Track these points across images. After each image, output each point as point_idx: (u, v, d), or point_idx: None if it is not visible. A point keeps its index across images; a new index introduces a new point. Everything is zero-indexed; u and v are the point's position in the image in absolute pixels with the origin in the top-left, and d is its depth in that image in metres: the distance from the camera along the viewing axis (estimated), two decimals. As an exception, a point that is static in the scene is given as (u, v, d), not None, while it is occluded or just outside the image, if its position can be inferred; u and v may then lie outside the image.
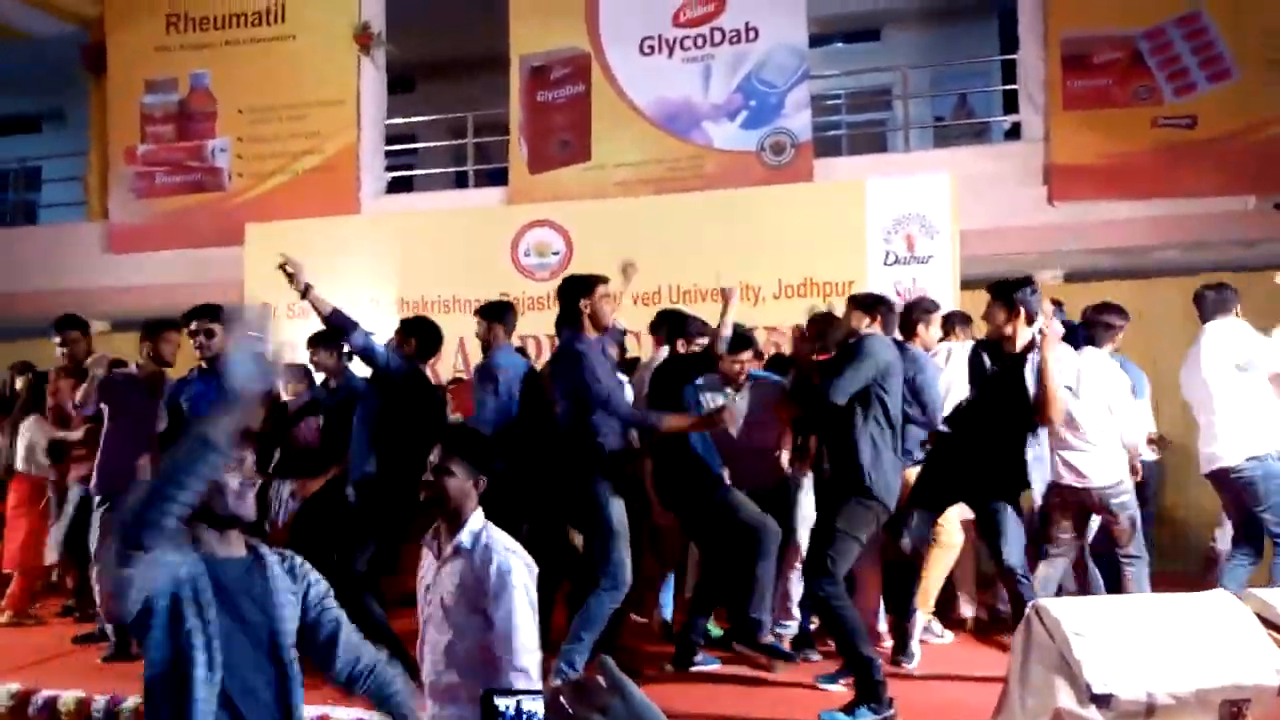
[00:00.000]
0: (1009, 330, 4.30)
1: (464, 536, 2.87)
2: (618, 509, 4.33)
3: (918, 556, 4.77)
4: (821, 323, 4.72)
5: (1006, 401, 4.27)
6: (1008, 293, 4.31)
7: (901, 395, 4.35)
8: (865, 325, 4.38)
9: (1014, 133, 8.90)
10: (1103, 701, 3.14)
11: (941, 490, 4.57)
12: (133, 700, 4.15)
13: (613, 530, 4.29)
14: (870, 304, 4.50)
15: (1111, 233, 7.75)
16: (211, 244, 9.05)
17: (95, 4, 10.12)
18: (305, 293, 4.56)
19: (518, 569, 2.84)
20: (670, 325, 5.07)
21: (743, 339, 4.99)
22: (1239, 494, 4.96)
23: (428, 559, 3.01)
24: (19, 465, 6.40)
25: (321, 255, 7.97)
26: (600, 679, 1.21)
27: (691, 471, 4.70)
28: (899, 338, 5.31)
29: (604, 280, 4.56)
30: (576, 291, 4.50)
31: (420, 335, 4.95)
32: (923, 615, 5.13)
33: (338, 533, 4.84)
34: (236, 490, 2.30)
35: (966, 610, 5.47)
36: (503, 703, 1.75)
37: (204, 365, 4.95)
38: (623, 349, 5.70)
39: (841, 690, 4.33)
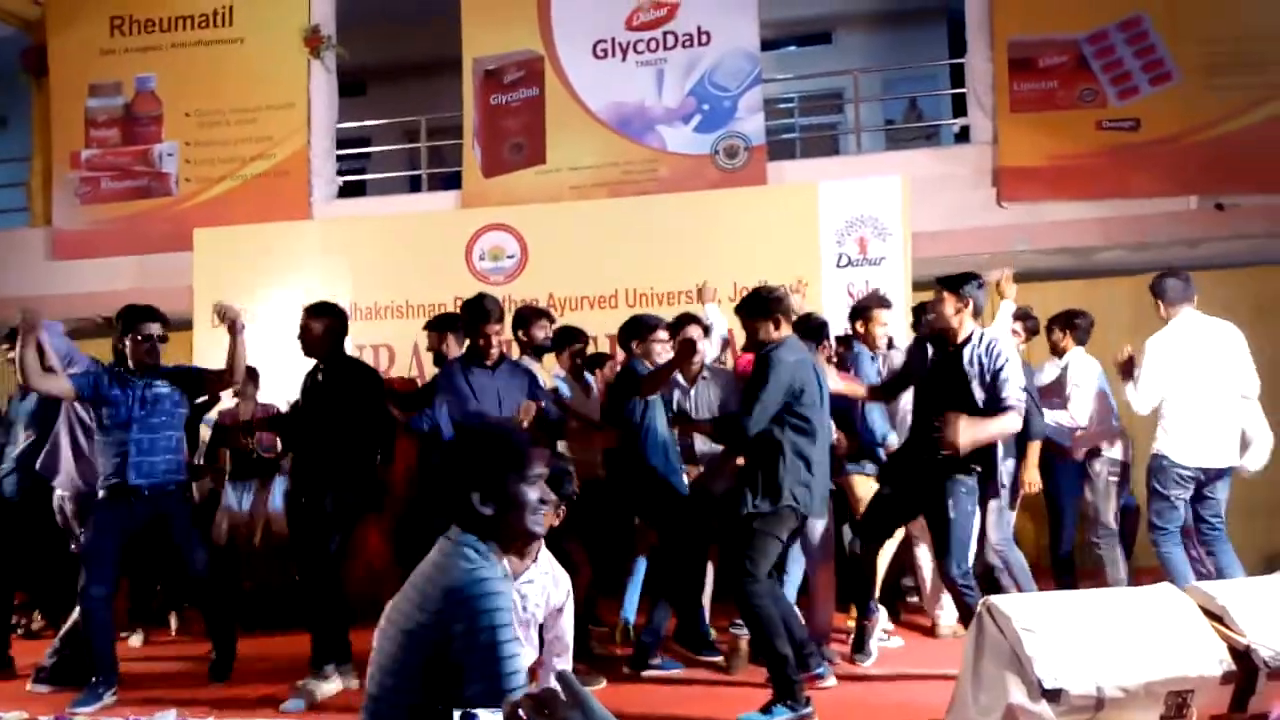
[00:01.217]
0: (956, 323, 4.39)
1: (544, 562, 3.40)
2: None
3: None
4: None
5: (945, 392, 4.36)
6: (957, 286, 4.39)
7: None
8: (771, 332, 4.25)
9: (964, 135, 9.02)
10: (1053, 696, 3.19)
11: (896, 506, 4.63)
12: None
13: None
14: (764, 310, 4.25)
15: (1059, 233, 7.88)
16: (159, 249, 8.89)
17: (36, 6, 9.90)
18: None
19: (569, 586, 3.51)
20: (624, 330, 5.08)
21: (684, 315, 5.17)
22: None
23: None
24: None
25: (272, 261, 7.90)
26: (560, 691, 1.20)
27: (650, 470, 4.79)
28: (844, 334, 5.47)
29: (491, 323, 4.74)
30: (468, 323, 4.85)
31: (331, 316, 4.96)
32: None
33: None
34: (534, 505, 2.16)
35: (944, 618, 5.37)
36: (458, 715, 1.73)
37: (141, 368, 4.77)
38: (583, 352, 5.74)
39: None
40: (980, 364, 4.29)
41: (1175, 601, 3.54)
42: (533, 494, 2.14)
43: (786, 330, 4.27)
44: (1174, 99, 7.79)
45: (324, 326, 4.90)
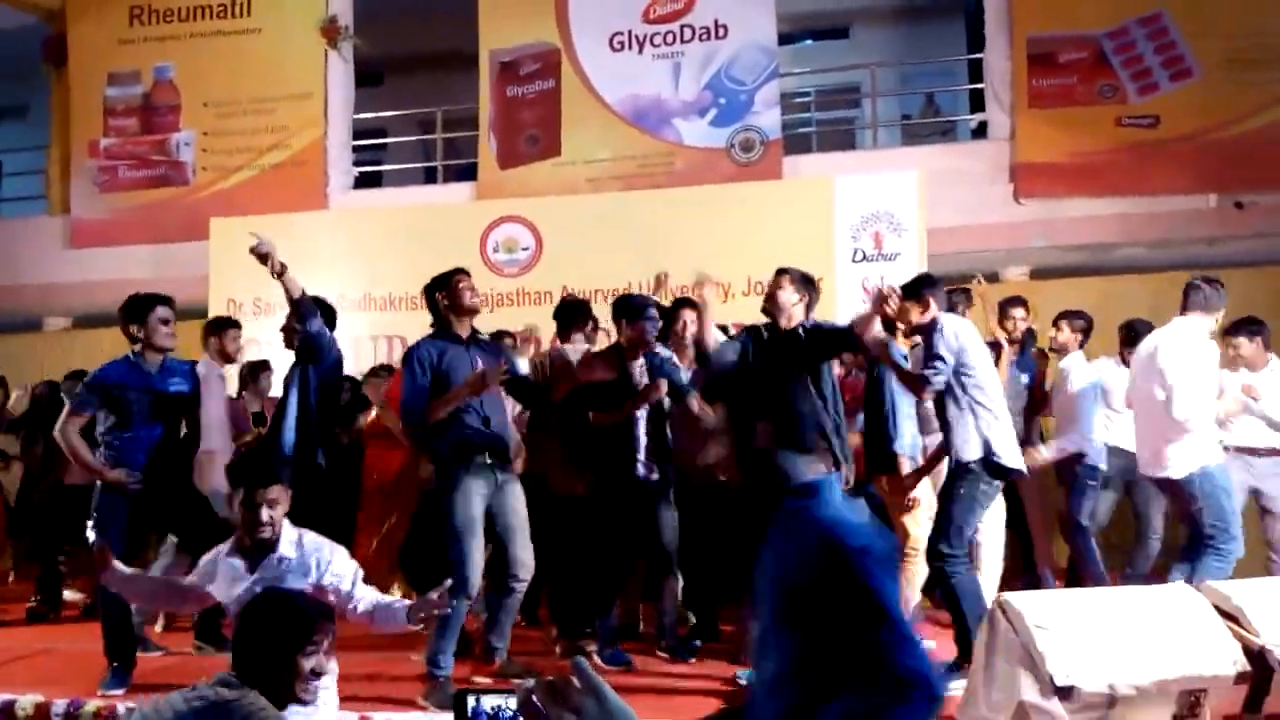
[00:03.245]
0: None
1: (285, 548, 3.26)
2: (460, 509, 4.24)
3: None
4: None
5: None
6: (916, 291, 4.44)
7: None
8: (800, 303, 4.40)
9: (981, 131, 8.97)
10: (1065, 693, 3.17)
11: None
12: (93, 704, 4.09)
13: (450, 531, 4.25)
14: (809, 287, 4.50)
15: (1077, 230, 7.84)
16: (176, 239, 8.93)
17: (57, -4, 9.98)
18: (281, 272, 4.49)
19: (346, 559, 3.33)
20: (615, 308, 5.02)
21: (681, 300, 5.11)
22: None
23: (228, 570, 3.28)
24: None
25: (288, 251, 7.82)
26: (574, 679, 1.19)
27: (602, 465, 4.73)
28: None
29: (461, 271, 4.62)
30: (432, 289, 4.58)
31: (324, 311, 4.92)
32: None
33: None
34: (306, 675, 2.28)
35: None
36: (470, 703, 1.73)
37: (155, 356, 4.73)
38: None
39: None
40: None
41: (1189, 600, 3.51)
42: (307, 664, 2.30)
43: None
44: (1194, 96, 7.73)
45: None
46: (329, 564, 3.26)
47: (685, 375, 4.96)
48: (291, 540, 3.28)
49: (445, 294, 4.55)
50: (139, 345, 4.66)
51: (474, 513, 4.24)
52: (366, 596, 3.28)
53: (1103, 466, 5.55)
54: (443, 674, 4.19)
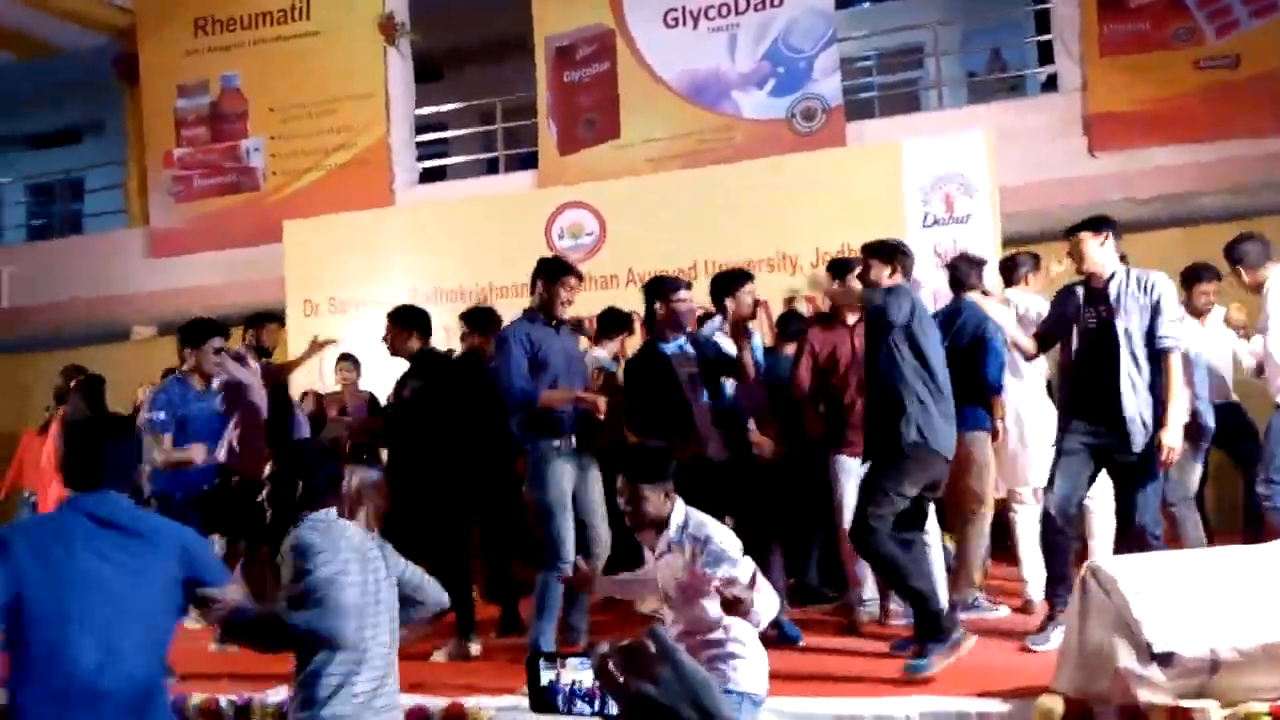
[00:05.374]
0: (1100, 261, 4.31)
1: (672, 533, 3.23)
2: (553, 485, 4.39)
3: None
4: None
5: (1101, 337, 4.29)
6: (1098, 226, 4.33)
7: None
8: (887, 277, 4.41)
9: (1050, 84, 8.71)
10: (1165, 660, 3.09)
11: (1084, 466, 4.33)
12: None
13: (545, 507, 4.39)
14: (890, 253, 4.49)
15: (1155, 180, 7.56)
16: (250, 243, 9.14)
17: (125, 14, 10.25)
18: None
19: (729, 542, 3.16)
20: (647, 291, 4.94)
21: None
22: None
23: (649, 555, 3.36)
24: None
25: (358, 248, 8.06)
26: (651, 647, 1.18)
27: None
28: None
29: (574, 273, 4.63)
30: (540, 272, 4.64)
31: (418, 324, 5.08)
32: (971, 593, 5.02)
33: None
34: None
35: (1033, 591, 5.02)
36: (547, 675, 1.70)
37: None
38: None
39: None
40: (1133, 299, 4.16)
41: (1294, 559, 3.39)
42: None
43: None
44: (1277, 32, 7.38)
45: (402, 330, 5.06)
46: (707, 540, 3.16)
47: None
48: (678, 523, 3.27)
49: (545, 285, 4.57)
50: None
51: (566, 488, 4.42)
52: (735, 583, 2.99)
53: (1212, 425, 5.30)
54: None
